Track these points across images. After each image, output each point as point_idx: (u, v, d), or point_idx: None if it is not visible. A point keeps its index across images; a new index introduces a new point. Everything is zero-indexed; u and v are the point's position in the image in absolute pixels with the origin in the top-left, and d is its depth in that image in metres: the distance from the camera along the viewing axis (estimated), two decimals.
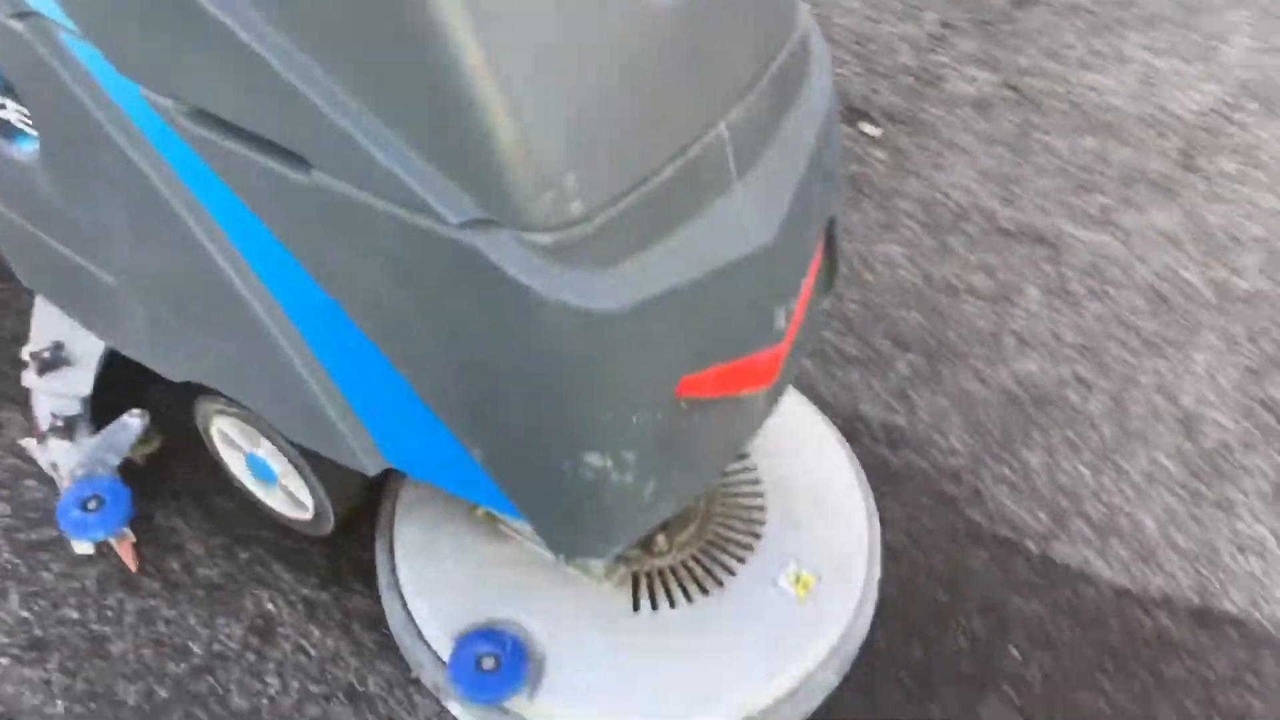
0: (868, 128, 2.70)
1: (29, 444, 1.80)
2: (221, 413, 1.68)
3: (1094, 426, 2.12)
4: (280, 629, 1.73)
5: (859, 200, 2.52)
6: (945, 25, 3.01)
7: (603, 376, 1.21)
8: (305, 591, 1.77)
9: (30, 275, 1.78)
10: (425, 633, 1.63)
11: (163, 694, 1.65)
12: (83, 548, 1.72)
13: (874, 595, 1.72)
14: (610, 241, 1.16)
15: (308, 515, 1.75)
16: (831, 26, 2.98)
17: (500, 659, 1.55)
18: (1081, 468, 2.05)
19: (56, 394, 1.80)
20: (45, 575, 1.76)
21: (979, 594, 1.85)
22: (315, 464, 1.63)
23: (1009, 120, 2.75)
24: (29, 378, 1.82)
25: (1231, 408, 2.16)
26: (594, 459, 1.24)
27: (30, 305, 1.88)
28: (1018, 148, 2.68)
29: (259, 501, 1.82)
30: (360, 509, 1.77)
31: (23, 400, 1.87)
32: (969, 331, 2.27)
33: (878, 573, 1.75)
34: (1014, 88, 2.84)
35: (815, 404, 1.94)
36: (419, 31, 1.04)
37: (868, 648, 1.68)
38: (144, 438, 1.79)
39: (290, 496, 1.75)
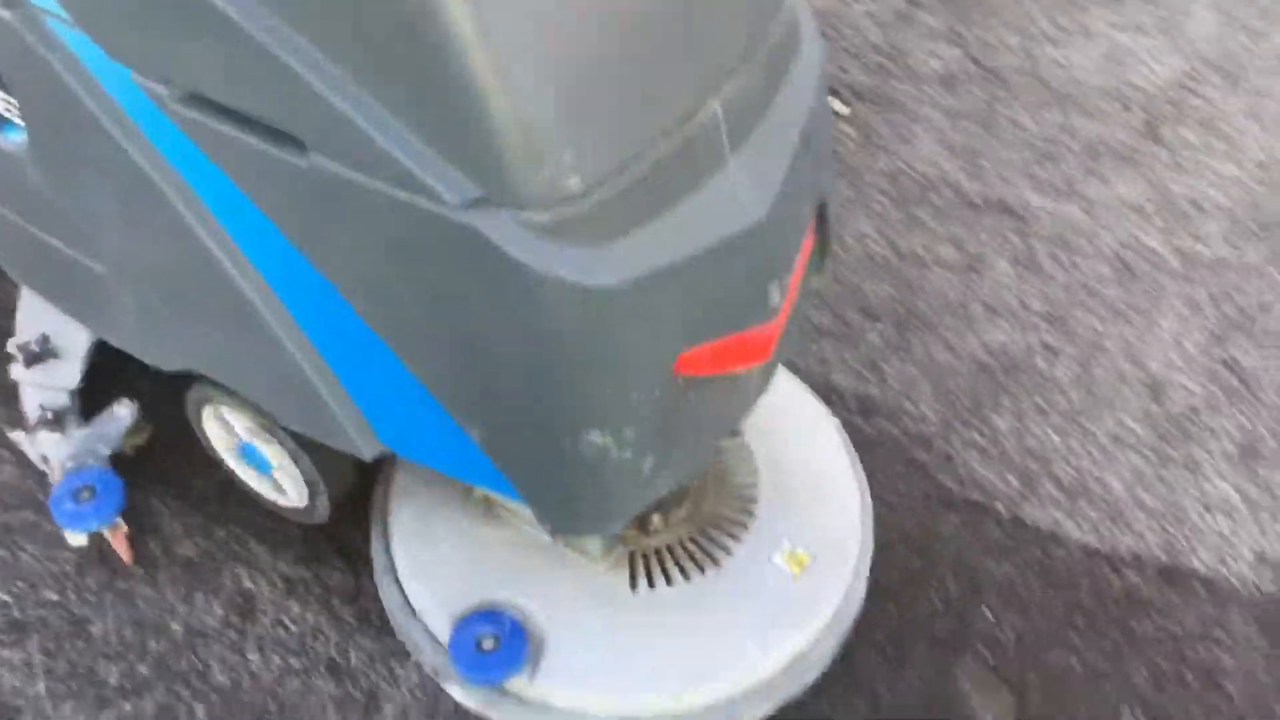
0: (836, 105, 2.72)
1: (18, 437, 1.79)
2: (214, 401, 1.68)
3: (1062, 392, 2.15)
4: (259, 605, 1.74)
5: None
6: (912, 3, 3.03)
7: (602, 353, 1.23)
8: (284, 568, 1.78)
9: (17, 268, 1.77)
10: (423, 616, 1.65)
11: (144, 672, 1.66)
12: (76, 539, 1.72)
13: (867, 571, 1.75)
14: (607, 218, 1.17)
15: (302, 503, 1.75)
16: None
17: (500, 639, 1.56)
18: (1050, 432, 2.08)
19: (45, 386, 1.80)
20: (23, 557, 1.77)
21: (951, 557, 1.88)
22: (310, 451, 1.63)
23: (975, 95, 2.78)
24: (16, 371, 1.81)
25: (1197, 371, 2.20)
26: (594, 436, 1.26)
27: (10, 302, 1.88)
28: (984, 122, 2.71)
29: (252, 491, 1.81)
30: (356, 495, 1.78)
31: (7, 394, 1.87)
32: (938, 302, 2.29)
33: (871, 549, 1.77)
34: (980, 63, 2.86)
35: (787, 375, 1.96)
36: (413, 9, 1.05)
37: None
38: (134, 428, 1.79)
39: (284, 485, 1.74)
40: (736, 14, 1.32)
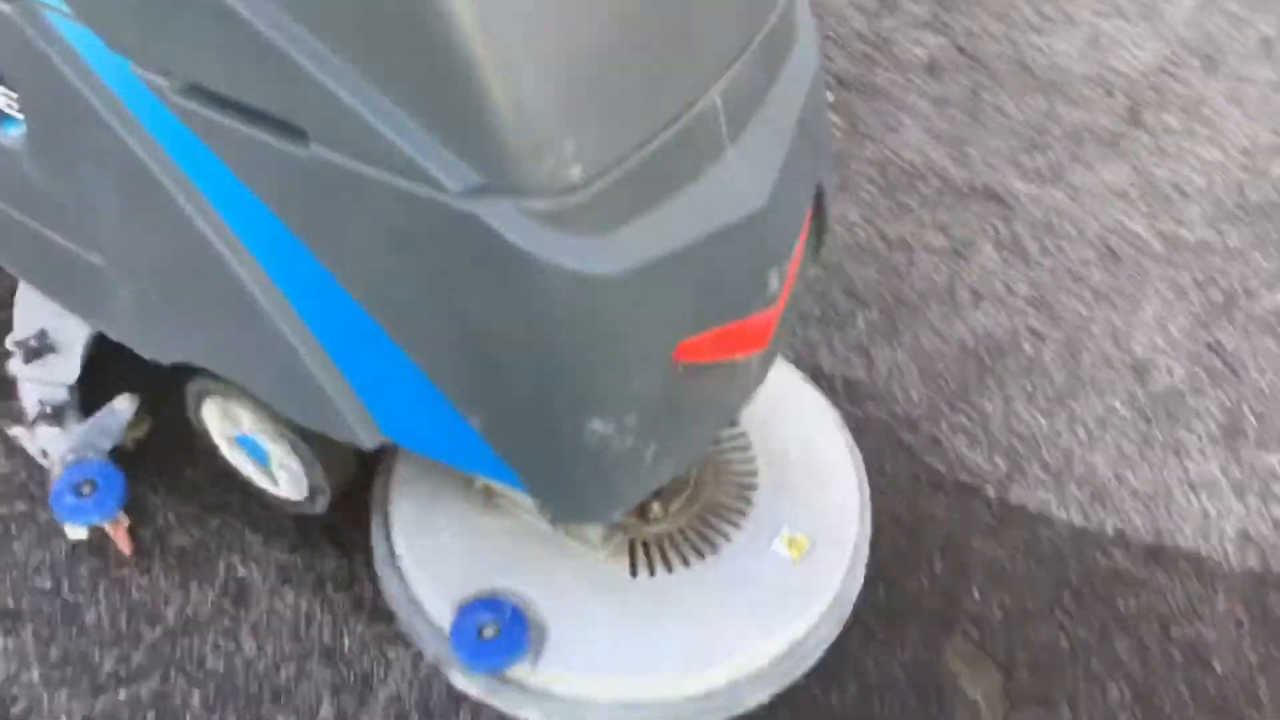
0: None
1: (18, 432, 1.79)
2: (212, 394, 1.68)
3: (1048, 375, 2.17)
4: (253, 593, 1.75)
5: None
6: None
7: (603, 340, 1.23)
8: (277, 556, 1.79)
9: (15, 262, 1.76)
10: (425, 605, 1.65)
11: (138, 659, 1.66)
12: (76, 533, 1.73)
13: (866, 555, 1.77)
14: (608, 207, 1.18)
15: (301, 495, 1.75)
16: None
17: (501, 627, 1.57)
18: (1037, 415, 2.10)
19: (43, 382, 1.80)
20: (16, 547, 1.77)
21: (939, 537, 1.90)
22: (310, 443, 1.63)
23: (960, 83, 2.80)
24: (15, 366, 1.81)
25: (1180, 353, 2.22)
26: (596, 423, 1.26)
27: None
28: (970, 110, 2.73)
29: (252, 484, 1.81)
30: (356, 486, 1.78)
31: (6, 388, 1.87)
32: (925, 287, 2.31)
33: (869, 533, 1.79)
34: (964, 51, 2.88)
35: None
36: None
37: None
38: (135, 422, 1.79)
39: (283, 477, 1.75)
40: (734, 4, 1.34)
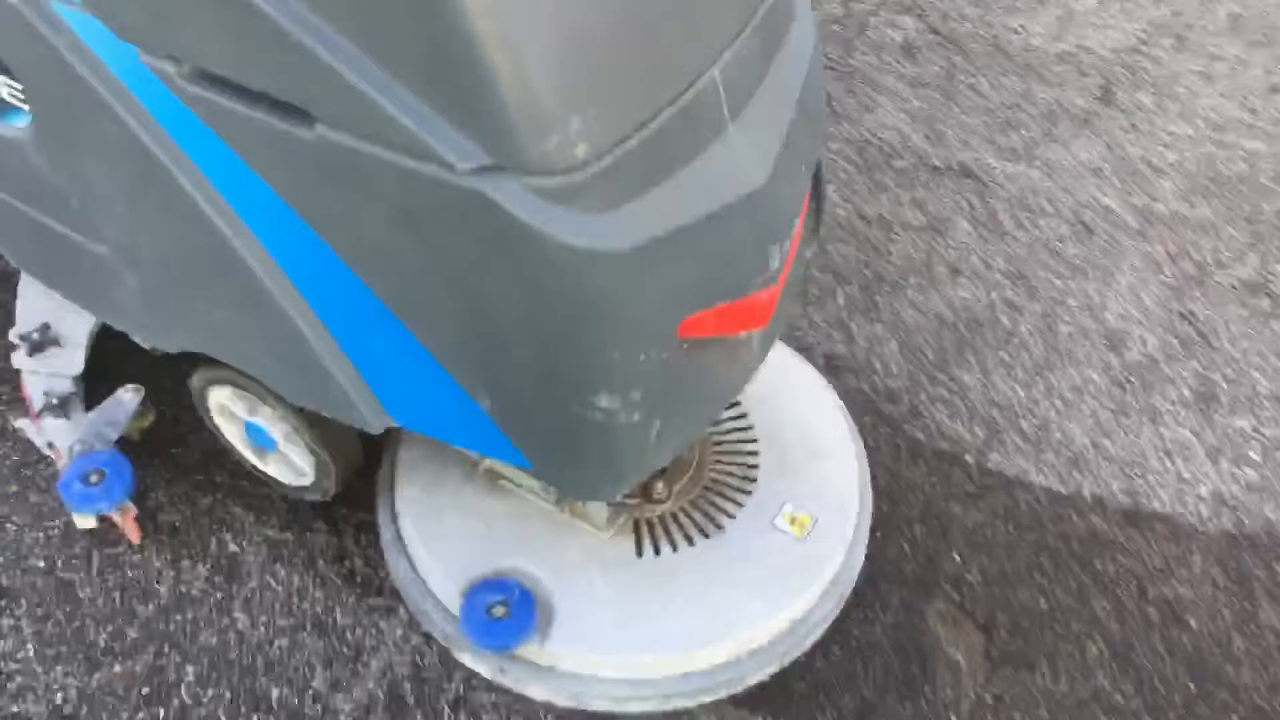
0: None
1: (24, 424, 1.81)
2: (218, 382, 1.69)
3: (1025, 346, 2.20)
4: (245, 568, 1.77)
5: None
6: None
7: (610, 316, 1.25)
8: (268, 532, 1.81)
9: (19, 254, 1.77)
10: (433, 587, 1.67)
11: (133, 634, 1.69)
12: (85, 521, 1.75)
13: (867, 530, 1.79)
14: (613, 185, 1.19)
15: (308, 480, 1.77)
16: None
17: (510, 607, 1.59)
18: (1014, 385, 2.14)
19: (48, 374, 1.82)
20: (10, 528, 1.79)
21: (920, 504, 1.93)
22: (316, 427, 1.65)
23: (935, 64, 2.83)
24: (19, 359, 1.83)
25: (1154, 323, 2.26)
26: (602, 400, 1.28)
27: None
28: (944, 89, 2.76)
29: (258, 470, 1.82)
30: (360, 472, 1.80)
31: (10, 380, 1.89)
32: (903, 263, 2.34)
33: (870, 509, 1.82)
34: (939, 33, 2.92)
35: None
36: None
37: None
38: (140, 412, 1.81)
39: (290, 463, 1.76)
40: None
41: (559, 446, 1.39)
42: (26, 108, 1.47)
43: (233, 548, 1.79)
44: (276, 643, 1.69)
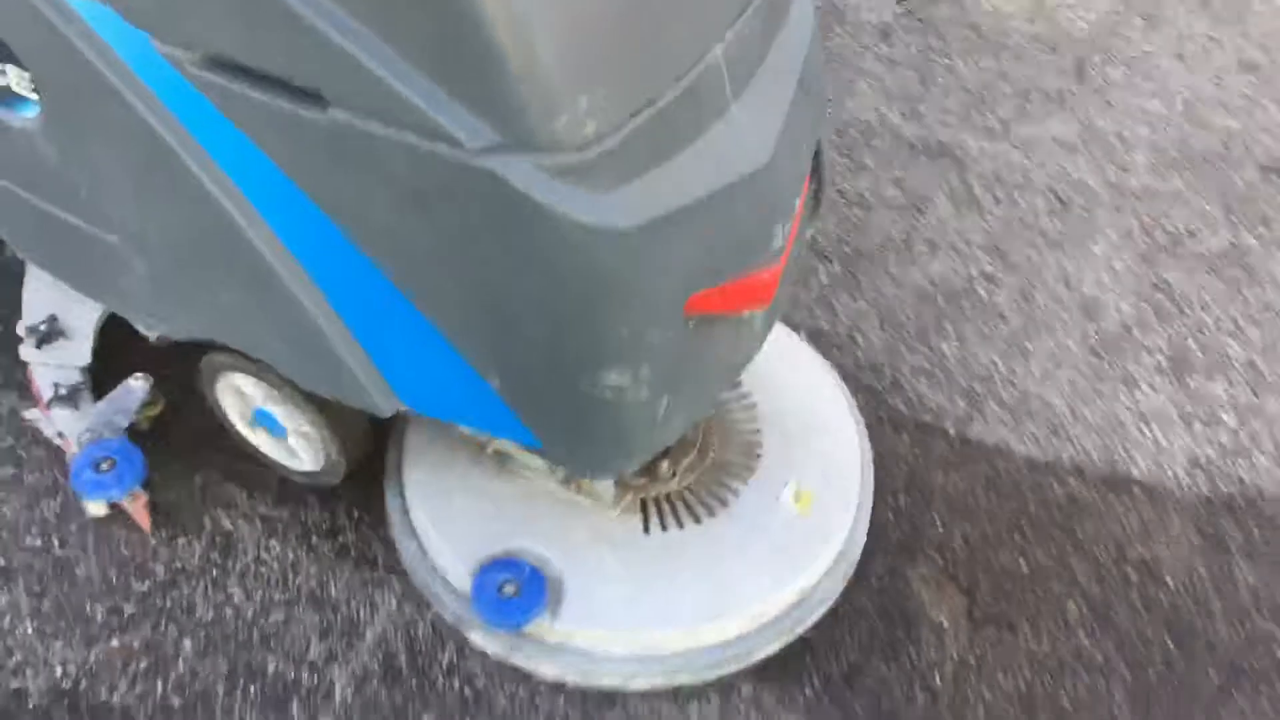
0: None
1: (34, 415, 1.83)
2: (227, 369, 1.71)
3: (1003, 318, 2.24)
4: (240, 544, 1.79)
5: None
6: None
7: (619, 293, 1.26)
8: (262, 509, 1.84)
9: (27, 245, 1.78)
10: (442, 568, 1.69)
11: (130, 610, 1.71)
12: (96, 509, 1.77)
13: (870, 503, 1.83)
14: (621, 163, 1.21)
15: (317, 466, 1.79)
16: None
17: (520, 585, 1.61)
18: (993, 355, 2.18)
19: (56, 365, 1.84)
20: (5, 510, 1.81)
21: (904, 473, 1.97)
22: (325, 412, 1.67)
23: (912, 46, 2.87)
24: (27, 351, 1.85)
25: (1129, 293, 2.30)
26: (612, 375, 1.30)
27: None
28: (921, 71, 2.81)
29: (266, 457, 1.84)
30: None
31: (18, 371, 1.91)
32: (883, 239, 2.38)
33: (871, 485, 1.85)
34: (914, 15, 2.96)
35: None
36: None
37: None
38: (149, 401, 1.83)
39: (299, 449, 1.78)
40: None
41: (569, 424, 1.40)
42: (36, 98, 1.47)
43: (227, 525, 1.81)
44: (272, 616, 1.71)
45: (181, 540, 1.79)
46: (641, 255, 1.25)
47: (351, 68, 1.15)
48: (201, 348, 1.68)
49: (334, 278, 1.37)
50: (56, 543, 1.77)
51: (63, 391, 1.81)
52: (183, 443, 1.90)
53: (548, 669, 1.64)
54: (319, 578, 1.76)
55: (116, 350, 1.84)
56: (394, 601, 1.73)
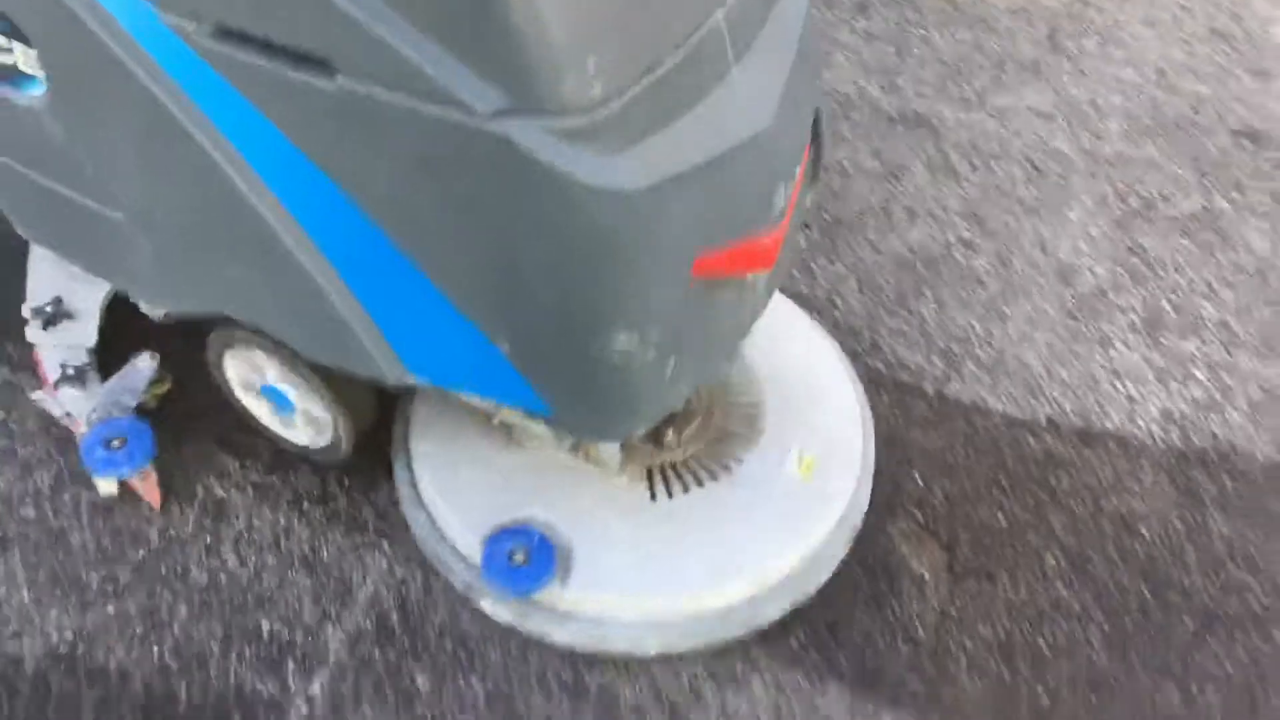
0: None
1: (41, 395, 1.85)
2: (235, 344, 1.72)
3: (980, 282, 2.28)
4: (232, 511, 1.82)
5: None
6: None
7: (627, 254, 1.28)
8: (254, 477, 1.86)
9: (32, 225, 1.79)
10: (451, 537, 1.72)
11: (124, 577, 1.74)
12: (107, 486, 1.80)
13: (871, 469, 1.86)
14: (627, 125, 1.22)
15: (324, 441, 1.81)
16: None
17: (530, 552, 1.63)
18: (970, 318, 2.21)
19: (62, 346, 1.86)
20: None
21: (883, 431, 1.99)
22: (333, 386, 1.68)
23: (888, 19, 2.91)
24: (34, 333, 1.86)
25: (1103, 256, 2.35)
26: (620, 337, 1.32)
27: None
28: (897, 43, 2.84)
29: (272, 433, 1.86)
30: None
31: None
32: (862, 207, 2.42)
33: (873, 449, 1.89)
34: None
35: None
36: None
37: None
38: (156, 379, 1.85)
39: (306, 424, 1.80)
40: None
41: (579, 387, 1.42)
42: (42, 75, 1.48)
43: (220, 492, 1.84)
44: (266, 580, 1.74)
45: (175, 508, 1.82)
46: (649, 217, 1.26)
47: (359, 35, 1.16)
48: (203, 326, 1.70)
49: (342, 247, 1.38)
50: (51, 512, 1.80)
51: (70, 372, 1.83)
52: (179, 416, 1.92)
53: (559, 635, 1.66)
54: (311, 542, 1.79)
55: (119, 330, 1.87)
56: (385, 563, 1.76)
